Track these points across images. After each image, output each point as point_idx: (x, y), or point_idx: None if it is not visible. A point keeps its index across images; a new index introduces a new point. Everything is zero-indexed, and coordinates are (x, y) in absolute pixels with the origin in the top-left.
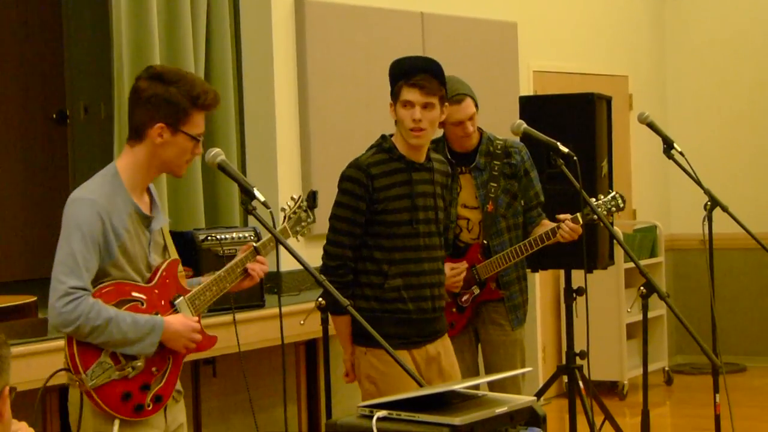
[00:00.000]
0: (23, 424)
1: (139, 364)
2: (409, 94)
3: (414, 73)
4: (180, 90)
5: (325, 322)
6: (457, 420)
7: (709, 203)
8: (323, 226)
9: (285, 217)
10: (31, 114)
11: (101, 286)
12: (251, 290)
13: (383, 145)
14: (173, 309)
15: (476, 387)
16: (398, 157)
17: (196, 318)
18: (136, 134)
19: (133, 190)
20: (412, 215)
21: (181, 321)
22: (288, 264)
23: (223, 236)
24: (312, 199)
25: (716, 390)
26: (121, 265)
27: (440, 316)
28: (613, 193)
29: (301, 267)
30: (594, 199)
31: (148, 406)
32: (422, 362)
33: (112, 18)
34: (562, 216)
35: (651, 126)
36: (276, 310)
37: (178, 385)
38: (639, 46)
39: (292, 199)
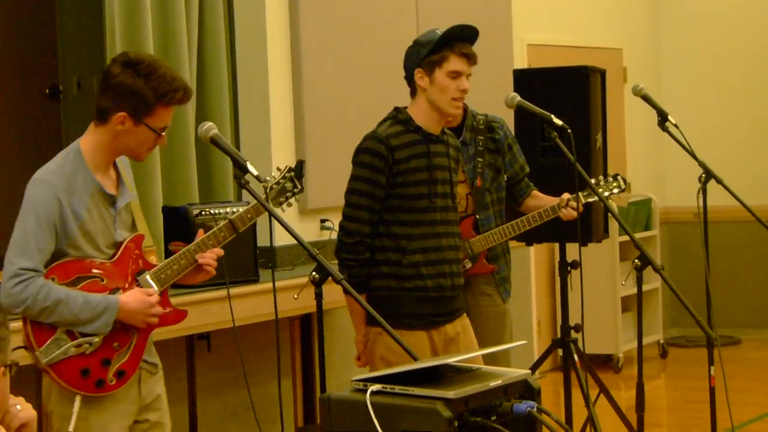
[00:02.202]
0: (20, 399)
1: (96, 339)
2: (459, 63)
3: (462, 42)
4: (148, 84)
5: (319, 297)
6: (451, 393)
7: (703, 176)
8: (316, 200)
9: (268, 188)
10: (24, 89)
11: (58, 263)
12: (245, 265)
13: (399, 117)
14: (137, 284)
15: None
16: (415, 128)
17: (155, 291)
18: (101, 117)
19: (96, 169)
20: (431, 188)
21: (137, 298)
22: (282, 239)
23: (216, 211)
24: (299, 168)
25: (711, 363)
26: (80, 244)
27: (458, 295)
28: (616, 175)
29: (295, 241)
30: (594, 180)
31: (111, 381)
32: (441, 343)
33: None
34: (564, 196)
35: (645, 98)
36: (270, 285)
37: (153, 359)
38: (633, 19)
39: (278, 169)
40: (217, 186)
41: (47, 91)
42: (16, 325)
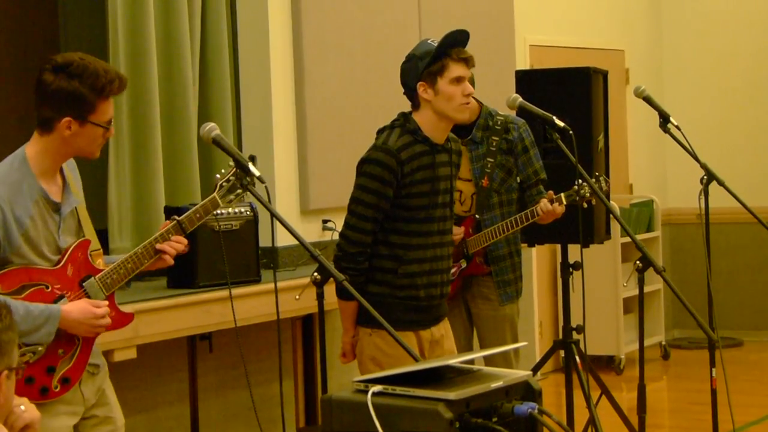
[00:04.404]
0: (24, 399)
1: (40, 348)
2: (459, 69)
3: (457, 47)
4: (84, 83)
5: (320, 297)
6: (452, 395)
7: (705, 177)
8: (318, 201)
9: (216, 186)
10: (27, 87)
11: (0, 272)
12: (247, 265)
13: (407, 126)
14: (82, 290)
15: (471, 362)
16: (422, 138)
17: (104, 303)
18: (45, 126)
19: (42, 176)
20: (431, 200)
21: (80, 308)
22: (284, 239)
23: (218, 211)
24: (252, 163)
25: (713, 364)
26: (23, 252)
27: (445, 301)
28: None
29: (297, 242)
30: (577, 182)
31: (56, 387)
32: (427, 344)
33: None
34: (545, 196)
35: (647, 100)
36: (272, 285)
37: (95, 359)
38: (635, 20)
39: (230, 166)
40: None
41: None
42: None
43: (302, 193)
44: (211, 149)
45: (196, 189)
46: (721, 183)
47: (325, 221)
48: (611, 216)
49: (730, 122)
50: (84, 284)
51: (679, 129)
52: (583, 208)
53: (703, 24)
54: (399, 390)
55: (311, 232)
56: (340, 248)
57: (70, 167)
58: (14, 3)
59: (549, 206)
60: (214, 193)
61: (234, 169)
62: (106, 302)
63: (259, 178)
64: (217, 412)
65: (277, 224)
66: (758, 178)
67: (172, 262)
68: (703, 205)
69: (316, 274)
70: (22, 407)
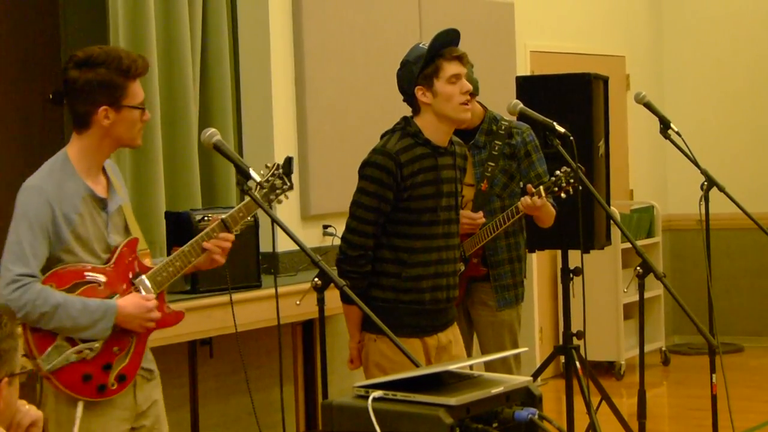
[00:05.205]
0: (23, 401)
1: (97, 345)
2: (454, 67)
3: (449, 46)
4: (110, 69)
5: (321, 303)
6: (452, 400)
7: (705, 183)
8: (319, 206)
9: (255, 187)
10: (27, 94)
11: (55, 270)
12: (248, 270)
13: (408, 129)
14: (133, 287)
15: (470, 368)
16: (424, 141)
17: (153, 296)
18: (82, 122)
19: (86, 174)
20: (436, 202)
21: (134, 303)
22: (285, 244)
23: None
24: (288, 165)
25: (713, 370)
26: (74, 249)
27: (452, 306)
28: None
29: (297, 247)
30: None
31: (112, 385)
32: (433, 350)
33: None
34: (528, 188)
35: (648, 106)
36: (272, 291)
37: (149, 365)
38: (636, 26)
39: (267, 167)
40: (220, 191)
41: (50, 96)
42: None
43: (303, 199)
44: (212, 154)
45: (196, 193)
46: (721, 189)
47: (325, 227)
48: (611, 222)
49: (731, 128)
50: (135, 282)
51: (679, 135)
52: (563, 198)
53: (704, 30)
54: (399, 395)
55: (312, 237)
56: (342, 251)
57: (113, 170)
58: (14, 3)
59: (528, 200)
60: (255, 191)
61: (273, 170)
62: (154, 295)
63: (260, 183)
64: (217, 418)
65: (278, 229)
66: (758, 184)
67: (222, 260)
68: (703, 211)
69: (316, 279)
70: (27, 407)
